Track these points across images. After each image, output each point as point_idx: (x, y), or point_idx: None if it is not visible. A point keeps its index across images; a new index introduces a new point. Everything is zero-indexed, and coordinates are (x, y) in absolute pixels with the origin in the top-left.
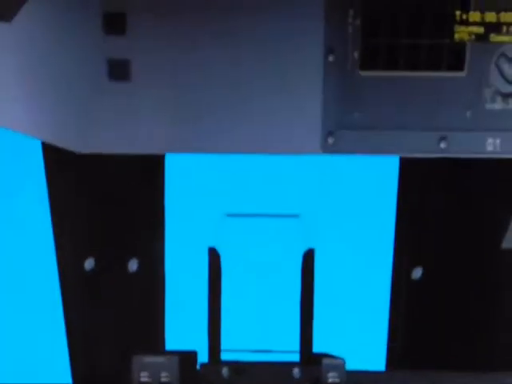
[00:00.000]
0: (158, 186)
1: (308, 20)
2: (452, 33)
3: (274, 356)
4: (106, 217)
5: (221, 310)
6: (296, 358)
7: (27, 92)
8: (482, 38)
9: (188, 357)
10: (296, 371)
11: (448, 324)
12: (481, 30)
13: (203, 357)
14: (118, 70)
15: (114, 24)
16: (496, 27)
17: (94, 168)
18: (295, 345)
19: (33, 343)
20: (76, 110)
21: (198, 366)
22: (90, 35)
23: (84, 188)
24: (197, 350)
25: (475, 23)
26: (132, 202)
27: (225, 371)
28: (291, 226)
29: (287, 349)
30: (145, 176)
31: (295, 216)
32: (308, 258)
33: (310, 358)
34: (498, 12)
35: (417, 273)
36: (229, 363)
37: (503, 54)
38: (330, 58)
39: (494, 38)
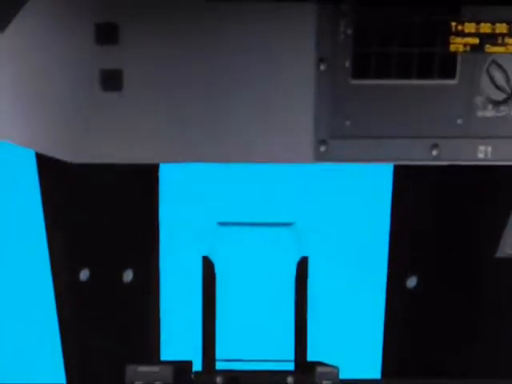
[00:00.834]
0: (152, 195)
1: (299, 29)
2: (443, 41)
3: (268, 365)
4: (101, 227)
5: (215, 319)
6: (290, 367)
7: (20, 102)
8: (477, 49)
9: (182, 366)
10: (290, 380)
11: (443, 332)
12: (476, 40)
13: (198, 366)
14: (111, 80)
15: (107, 34)
16: (491, 38)
17: (88, 178)
18: (290, 354)
19: (27, 354)
20: (69, 119)
21: (192, 376)
22: (83, 45)
23: (78, 198)
24: (191, 359)
25: (470, 34)
26: (127, 211)
27: (219, 380)
28: (285, 235)
29: (282, 358)
30: (139, 186)
31: (289, 225)
32: (302, 267)
33: (305, 367)
34: (493, 23)
35: (411, 281)
36: (223, 372)
37: (494, 62)
38: (322, 67)
39: (489, 48)
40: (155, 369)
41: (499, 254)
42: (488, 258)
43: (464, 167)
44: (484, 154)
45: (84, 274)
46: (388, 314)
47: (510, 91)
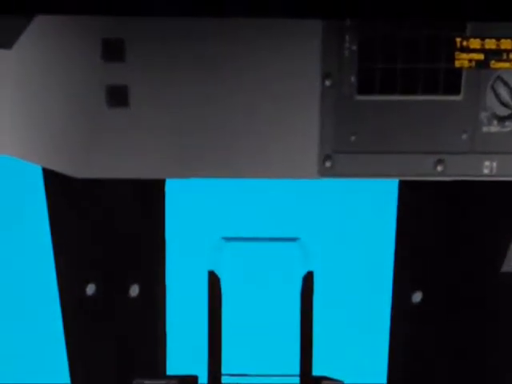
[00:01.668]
0: (158, 210)
1: (304, 44)
2: (448, 57)
3: (273, 380)
4: (107, 242)
5: (221, 333)
6: (296, 381)
7: (25, 117)
8: (482, 65)
9: (188, 381)
10: None
11: (449, 348)
12: (481, 56)
13: (203, 380)
14: (117, 96)
15: (113, 50)
16: (496, 54)
17: (95, 193)
18: (295, 368)
19: (34, 368)
20: (74, 135)
21: None
22: (89, 61)
23: (85, 213)
24: (197, 373)
25: (475, 50)
26: (133, 227)
27: None
28: (290, 250)
29: (287, 372)
30: (145, 201)
31: (294, 240)
32: (307, 282)
33: (310, 381)
34: (498, 39)
35: (417, 296)
36: None
37: (499, 78)
38: (327, 83)
39: (494, 64)
40: (161, 383)
41: (505, 269)
42: (493, 273)
43: (469, 182)
44: (489, 169)
45: (90, 289)
46: (393, 329)
47: None
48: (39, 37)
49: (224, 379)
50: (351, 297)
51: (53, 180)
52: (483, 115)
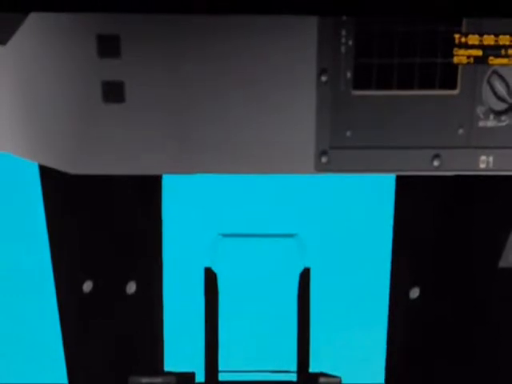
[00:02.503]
0: (155, 207)
1: (300, 40)
2: (444, 51)
3: (270, 376)
4: (104, 239)
5: (218, 329)
6: (293, 378)
7: (21, 114)
8: (480, 61)
9: (185, 377)
10: None
11: (446, 343)
12: (479, 52)
13: (201, 377)
14: (113, 92)
15: (109, 46)
16: (494, 50)
17: (91, 190)
18: (292, 364)
19: (30, 366)
20: (71, 131)
21: None
22: (84, 57)
23: (81, 210)
24: (194, 370)
25: (474, 46)
26: (130, 223)
27: None
28: (287, 246)
29: (284, 368)
30: (142, 197)
31: (291, 236)
32: (304, 278)
33: (307, 377)
34: (496, 35)
35: (414, 292)
36: (226, 383)
37: (495, 72)
38: (323, 78)
39: (492, 60)
40: (158, 380)
41: (502, 265)
42: (491, 269)
43: (466, 177)
44: (486, 164)
45: (87, 286)
46: (391, 324)
47: (510, 101)
48: (34, 33)
49: (221, 376)
50: (348, 293)
51: (49, 177)
52: (479, 110)
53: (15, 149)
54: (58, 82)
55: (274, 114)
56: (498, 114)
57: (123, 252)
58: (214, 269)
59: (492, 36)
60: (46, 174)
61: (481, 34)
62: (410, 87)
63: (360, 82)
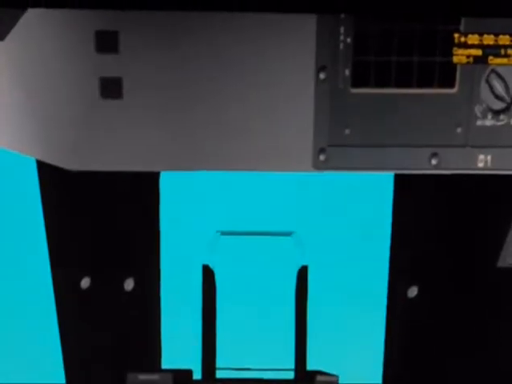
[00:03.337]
0: (153, 204)
1: (299, 38)
2: (443, 50)
3: (268, 374)
4: (102, 236)
5: (215, 327)
6: (290, 376)
7: (19, 110)
8: (480, 61)
9: (182, 375)
10: None
11: (444, 342)
12: (479, 52)
13: (198, 374)
14: (111, 88)
15: (107, 42)
16: (494, 49)
17: (89, 186)
18: (290, 362)
19: (28, 362)
20: (69, 127)
21: None
22: (83, 54)
23: (79, 206)
24: (192, 367)
25: (473, 45)
26: (128, 220)
27: None
28: (285, 244)
29: (281, 366)
30: (140, 194)
31: (289, 234)
32: (302, 276)
33: (304, 376)
34: (496, 35)
35: (412, 291)
36: (223, 381)
37: (494, 71)
38: (321, 76)
39: (492, 60)
40: (155, 377)
41: (500, 264)
42: (489, 268)
43: (465, 176)
44: (484, 162)
45: (85, 283)
46: (389, 323)
47: (509, 100)
48: (32, 29)
49: (218, 373)
50: (346, 291)
51: (47, 173)
52: (478, 109)
53: (13, 144)
54: (55, 77)
55: (272, 111)
56: (497, 113)
57: (121, 249)
58: (212, 266)
59: (492, 36)
60: (44, 169)
61: (480, 34)
62: (409, 85)
63: (358, 80)
